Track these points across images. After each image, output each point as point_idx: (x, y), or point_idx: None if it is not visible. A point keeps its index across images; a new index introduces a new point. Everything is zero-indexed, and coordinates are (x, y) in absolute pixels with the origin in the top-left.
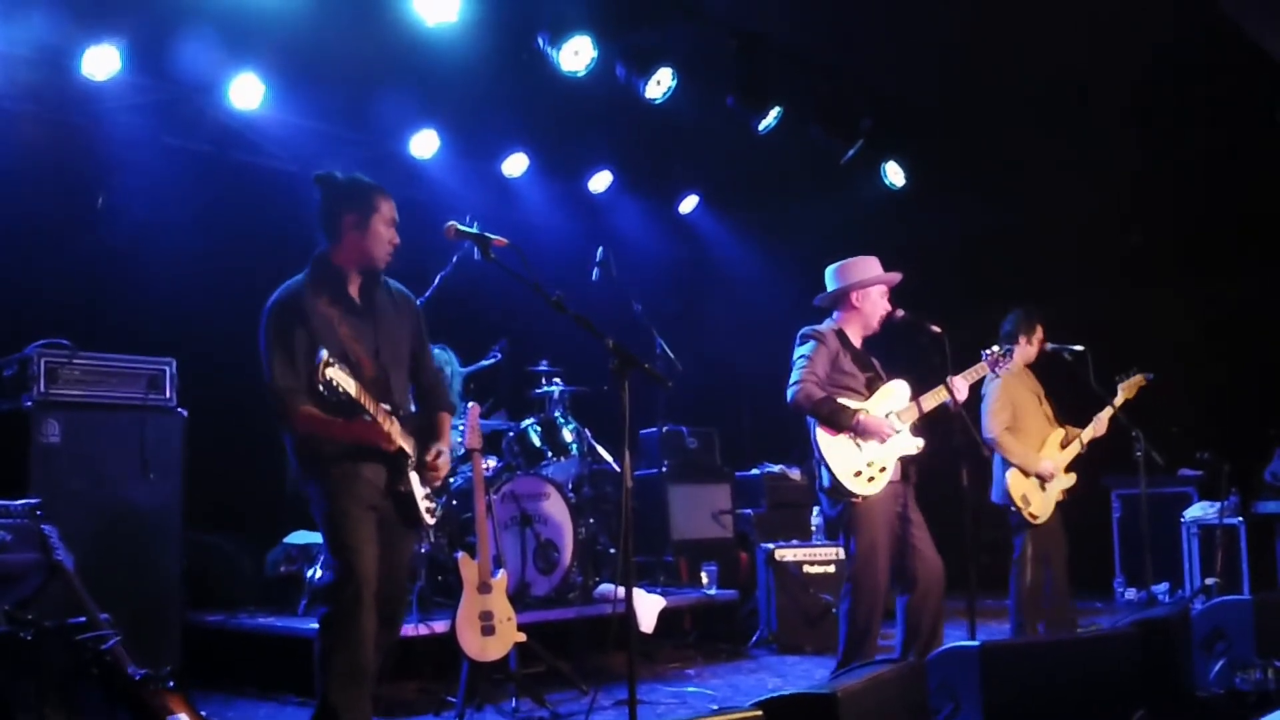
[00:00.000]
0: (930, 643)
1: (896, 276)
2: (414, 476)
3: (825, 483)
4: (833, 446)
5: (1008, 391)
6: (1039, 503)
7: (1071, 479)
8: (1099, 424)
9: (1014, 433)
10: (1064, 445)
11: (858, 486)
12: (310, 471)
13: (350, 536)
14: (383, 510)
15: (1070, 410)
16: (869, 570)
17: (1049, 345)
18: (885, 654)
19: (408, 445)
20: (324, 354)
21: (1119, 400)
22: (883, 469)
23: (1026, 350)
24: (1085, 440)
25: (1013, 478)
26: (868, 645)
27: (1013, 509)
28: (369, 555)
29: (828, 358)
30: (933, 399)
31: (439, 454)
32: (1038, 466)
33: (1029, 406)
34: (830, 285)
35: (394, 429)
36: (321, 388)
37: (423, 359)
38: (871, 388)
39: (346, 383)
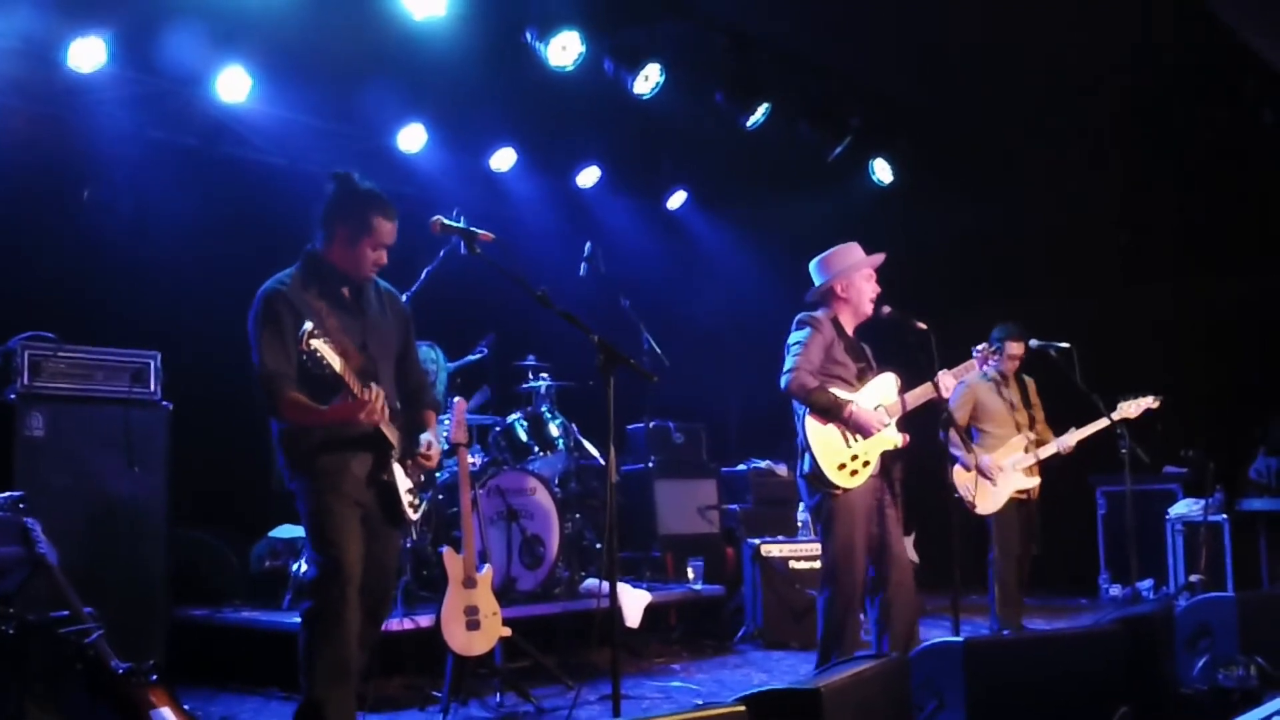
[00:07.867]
0: (909, 640)
1: (879, 258)
2: (398, 469)
3: (806, 469)
4: (821, 436)
5: (971, 392)
6: (981, 494)
7: (1030, 482)
8: (1072, 436)
9: (979, 431)
10: (1028, 450)
11: (840, 479)
12: (296, 466)
13: (335, 532)
14: (367, 506)
15: (1058, 410)
16: (846, 563)
17: (1034, 342)
18: (866, 649)
19: (392, 435)
20: (309, 325)
21: (1117, 417)
22: (866, 463)
23: (1006, 362)
24: (1062, 448)
25: (956, 469)
26: (846, 637)
27: (956, 496)
28: (354, 551)
29: (822, 346)
30: (919, 396)
31: (429, 444)
32: (975, 461)
33: (995, 410)
34: (816, 280)
35: (378, 401)
36: (305, 358)
37: (409, 358)
38: (863, 378)
39: (331, 356)
